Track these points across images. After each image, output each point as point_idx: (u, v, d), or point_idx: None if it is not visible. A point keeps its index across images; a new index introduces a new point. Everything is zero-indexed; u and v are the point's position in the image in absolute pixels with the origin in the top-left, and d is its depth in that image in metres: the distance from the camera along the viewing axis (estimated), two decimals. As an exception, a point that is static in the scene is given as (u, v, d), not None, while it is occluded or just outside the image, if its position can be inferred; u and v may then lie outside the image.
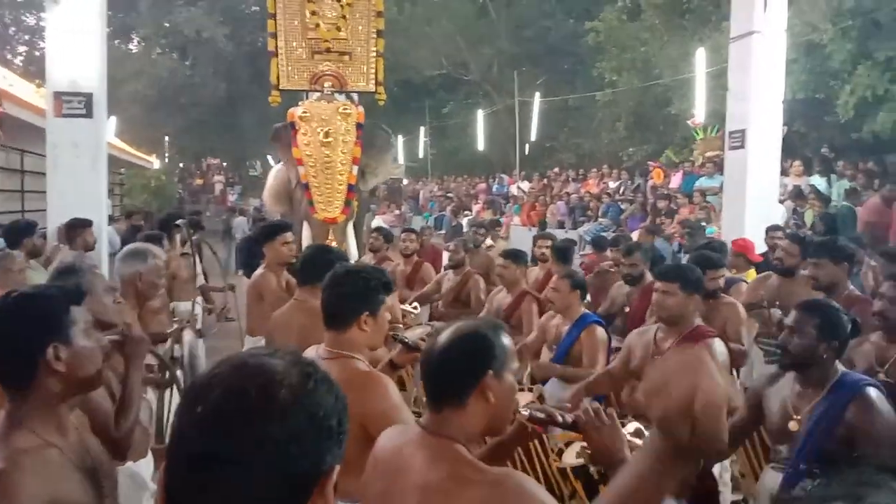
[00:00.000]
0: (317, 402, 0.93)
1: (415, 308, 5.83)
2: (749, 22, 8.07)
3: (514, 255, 5.56)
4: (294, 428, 0.89)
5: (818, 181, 10.99)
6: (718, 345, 3.49)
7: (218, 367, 0.96)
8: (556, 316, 4.60)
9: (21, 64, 29.54)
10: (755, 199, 8.07)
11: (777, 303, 4.80)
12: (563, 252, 6.16)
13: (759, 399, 3.04)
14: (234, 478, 0.87)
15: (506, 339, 1.75)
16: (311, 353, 2.54)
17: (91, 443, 1.86)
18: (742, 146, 8.20)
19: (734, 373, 4.31)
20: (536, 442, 2.96)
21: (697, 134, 13.82)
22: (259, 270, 4.83)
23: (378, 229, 7.65)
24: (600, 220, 14.35)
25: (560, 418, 1.94)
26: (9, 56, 30.02)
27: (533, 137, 20.66)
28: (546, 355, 4.63)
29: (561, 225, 15.46)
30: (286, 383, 0.92)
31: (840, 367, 2.86)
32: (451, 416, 1.69)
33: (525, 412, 1.90)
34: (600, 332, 4.39)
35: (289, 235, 4.90)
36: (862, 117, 12.68)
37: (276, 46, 6.10)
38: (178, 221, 6.29)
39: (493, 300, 5.63)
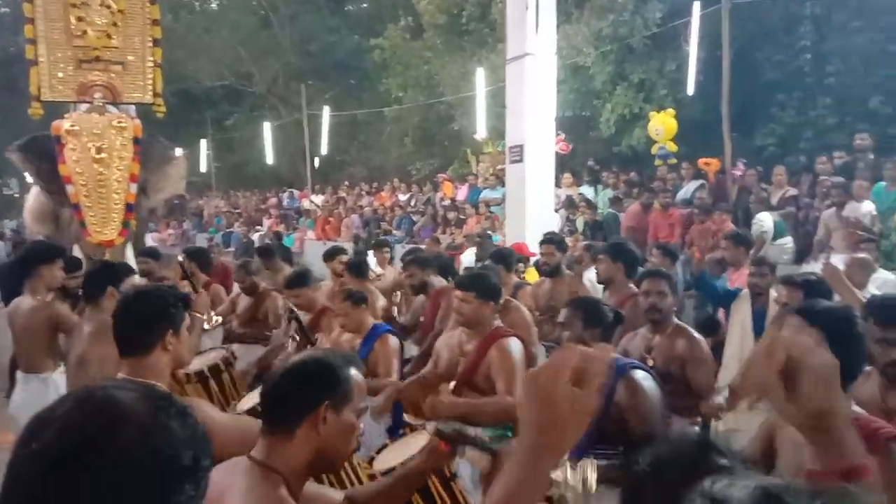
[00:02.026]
0: (166, 441, 0.87)
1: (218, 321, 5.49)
2: (523, 44, 8.67)
3: (298, 280, 5.38)
4: (136, 469, 0.83)
5: (587, 191, 12.05)
6: (514, 343, 3.73)
7: (62, 400, 0.90)
8: (344, 332, 4.58)
9: None
10: (534, 208, 8.69)
11: (552, 304, 5.26)
12: (357, 267, 6.14)
13: None
14: None
15: (355, 375, 1.68)
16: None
17: None
18: (521, 160, 8.79)
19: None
20: None
21: (486, 147, 14.56)
22: (26, 299, 4.31)
23: (143, 252, 6.98)
24: (394, 231, 14.62)
25: (472, 433, 1.91)
26: None
27: (324, 151, 20.56)
28: None
29: (356, 238, 15.54)
30: (132, 420, 0.85)
31: (611, 353, 3.18)
32: (278, 444, 1.60)
33: (432, 427, 1.88)
34: (393, 340, 4.48)
35: (60, 261, 4.46)
36: (621, 133, 14.13)
37: (36, 54, 5.53)
38: None
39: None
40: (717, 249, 7.24)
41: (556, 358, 1.09)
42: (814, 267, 5.73)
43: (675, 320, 3.99)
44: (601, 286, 5.14)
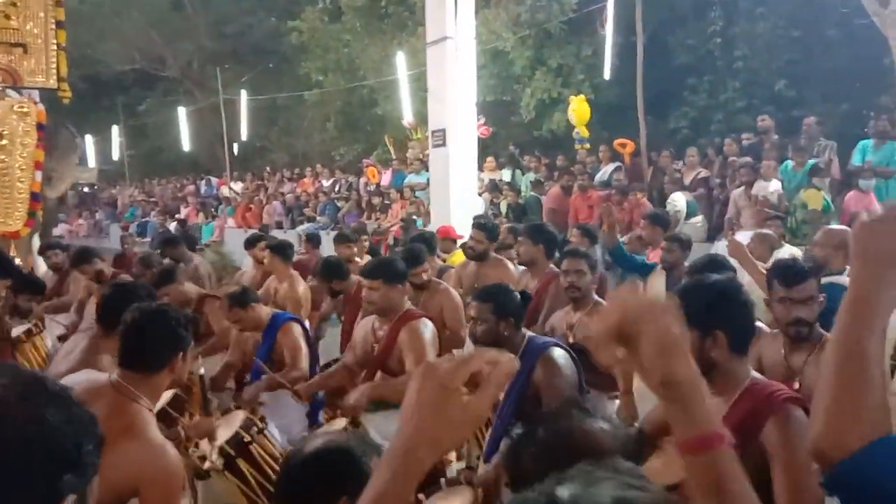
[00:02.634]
0: (39, 431, 0.82)
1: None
2: (442, 28, 8.68)
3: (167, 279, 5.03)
4: (6, 467, 0.79)
5: (508, 175, 12.20)
6: (425, 323, 3.81)
7: None
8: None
9: None
10: (458, 192, 8.75)
11: (477, 286, 5.31)
12: (281, 249, 5.95)
13: None
14: None
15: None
16: (100, 377, 2.42)
17: None
18: (444, 144, 8.82)
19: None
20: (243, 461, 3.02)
21: (415, 134, 14.49)
22: None
23: (51, 244, 6.55)
24: (318, 218, 14.45)
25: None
26: None
27: (244, 137, 20.05)
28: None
29: (279, 225, 15.29)
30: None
31: (527, 334, 3.23)
32: None
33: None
34: (296, 328, 4.32)
35: None
36: (541, 117, 14.33)
37: (-75, 33, 5.20)
38: None
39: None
40: (634, 229, 7.48)
41: (463, 359, 1.03)
42: (723, 244, 6.01)
43: (595, 297, 4.13)
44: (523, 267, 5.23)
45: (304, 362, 4.15)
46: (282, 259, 5.56)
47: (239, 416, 3.28)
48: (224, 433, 3.11)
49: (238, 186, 18.94)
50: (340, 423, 3.37)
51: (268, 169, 19.83)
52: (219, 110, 18.92)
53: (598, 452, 1.33)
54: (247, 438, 3.09)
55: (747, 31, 12.45)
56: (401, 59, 13.98)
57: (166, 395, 3.10)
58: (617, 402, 3.97)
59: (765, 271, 3.38)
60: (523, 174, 12.10)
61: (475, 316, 3.12)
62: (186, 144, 22.31)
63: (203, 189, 20.78)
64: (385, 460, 1.01)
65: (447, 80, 8.74)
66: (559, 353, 3.08)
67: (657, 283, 5.05)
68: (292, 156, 22.21)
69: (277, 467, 2.92)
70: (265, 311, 4.33)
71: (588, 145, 11.76)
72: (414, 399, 1.00)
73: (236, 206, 17.34)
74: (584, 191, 9.60)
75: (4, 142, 5.06)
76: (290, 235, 12.64)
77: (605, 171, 10.40)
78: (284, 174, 18.57)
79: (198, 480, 3.16)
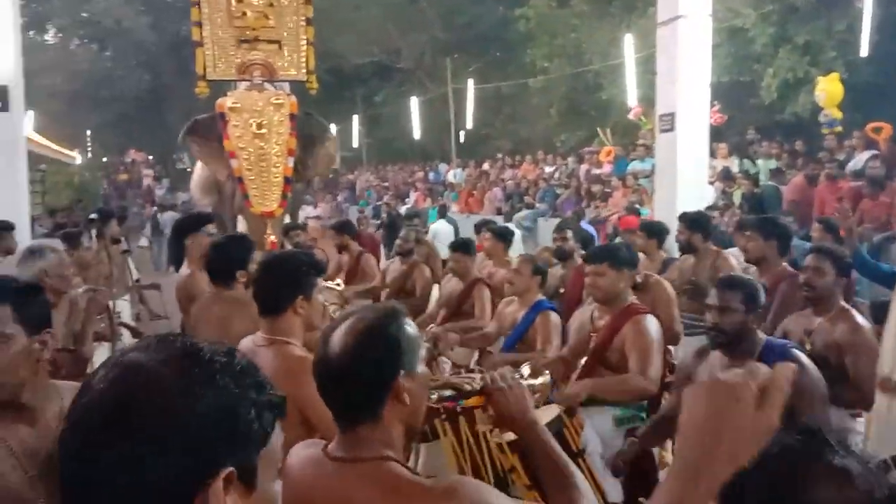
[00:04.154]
0: (192, 405, 0.82)
1: (337, 284, 5.73)
2: (675, 7, 8.23)
3: (464, 247, 5.58)
4: (159, 439, 0.80)
5: (744, 162, 11.34)
6: (651, 321, 3.58)
7: (99, 368, 0.88)
8: (512, 303, 4.62)
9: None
10: (686, 180, 8.28)
11: (693, 279, 5.01)
12: (503, 234, 6.12)
13: (690, 377, 3.12)
14: (93, 482, 0.80)
15: (408, 327, 1.52)
16: (246, 342, 2.53)
17: None
18: (672, 129, 8.39)
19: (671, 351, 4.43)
20: (464, 419, 2.91)
21: (644, 123, 14.00)
22: (184, 270, 4.63)
23: (294, 225, 7.20)
24: (537, 205, 14.51)
25: (468, 387, 1.84)
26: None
27: (468, 125, 20.67)
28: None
29: (498, 211, 15.57)
30: (154, 386, 0.82)
31: (761, 334, 2.98)
32: (367, 433, 1.46)
33: (433, 395, 1.78)
34: (555, 317, 4.39)
35: (211, 227, 4.75)
36: (784, 99, 13.13)
37: (202, 35, 5.90)
38: (92, 216, 6.05)
39: (444, 288, 5.66)
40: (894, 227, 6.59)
41: (752, 372, 0.99)
42: None
43: (842, 303, 3.65)
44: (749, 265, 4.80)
45: (553, 351, 4.17)
46: (503, 245, 5.69)
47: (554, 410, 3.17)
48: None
49: (461, 173, 19.56)
50: (554, 410, 3.30)
51: (498, 155, 20.12)
52: (447, 99, 19.65)
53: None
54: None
55: None
56: (629, 42, 13.54)
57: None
58: (861, 420, 3.48)
59: None
60: (753, 162, 11.19)
61: (719, 304, 2.91)
62: (416, 133, 23.48)
63: (431, 175, 21.76)
64: (672, 473, 0.99)
65: (678, 62, 8.28)
66: (807, 361, 2.79)
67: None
68: (515, 143, 22.48)
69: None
70: (537, 291, 4.46)
71: (840, 128, 10.57)
72: (702, 415, 0.97)
73: (460, 192, 17.93)
74: (832, 180, 8.65)
75: (263, 130, 5.61)
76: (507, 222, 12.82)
77: (860, 158, 9.26)
78: (506, 161, 18.84)
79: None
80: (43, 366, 1.78)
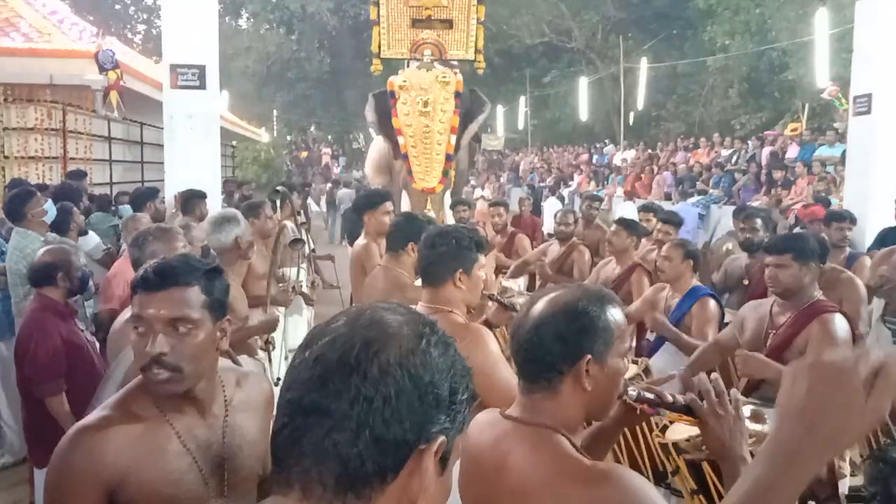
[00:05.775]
0: (425, 366, 0.87)
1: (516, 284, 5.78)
2: (879, -24, 7.45)
3: (628, 224, 5.37)
4: (392, 390, 0.85)
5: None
6: (839, 320, 3.26)
7: (339, 315, 0.94)
8: (665, 288, 4.42)
9: (140, 42, 31.18)
10: (881, 168, 7.51)
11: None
12: (631, 225, 5.79)
13: None
14: (323, 431, 0.84)
15: (614, 315, 1.51)
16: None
17: None
18: (868, 111, 7.63)
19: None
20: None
21: (840, 104, 12.84)
22: (361, 241, 4.87)
23: (460, 201, 7.29)
24: (711, 190, 13.78)
25: (671, 399, 1.68)
26: (129, 34, 31.72)
27: (640, 106, 19.97)
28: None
29: (667, 196, 14.95)
30: (394, 341, 0.88)
31: None
32: (542, 402, 1.48)
33: (633, 392, 1.65)
34: (713, 305, 4.12)
35: (389, 205, 4.93)
36: None
37: (379, 15, 6.14)
38: (278, 187, 6.46)
39: (601, 272, 5.47)
40: None
41: (864, 354, 0.94)
42: None
43: None
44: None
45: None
46: (627, 233, 5.38)
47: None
48: None
49: (628, 155, 18.98)
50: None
51: (678, 138, 19.30)
52: (618, 80, 19.10)
53: None
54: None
55: None
56: (821, 17, 12.44)
57: None
58: None
59: None
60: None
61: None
62: (584, 114, 23.03)
63: (595, 158, 21.29)
64: (764, 454, 0.97)
65: (879, 39, 7.48)
66: None
67: None
68: (688, 125, 21.47)
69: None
70: (691, 276, 4.26)
71: None
72: (806, 395, 0.94)
73: (626, 175, 17.41)
74: None
75: (428, 108, 5.75)
76: (679, 208, 12.27)
77: None
78: (678, 143, 18.03)
79: None
80: (217, 356, 1.70)
